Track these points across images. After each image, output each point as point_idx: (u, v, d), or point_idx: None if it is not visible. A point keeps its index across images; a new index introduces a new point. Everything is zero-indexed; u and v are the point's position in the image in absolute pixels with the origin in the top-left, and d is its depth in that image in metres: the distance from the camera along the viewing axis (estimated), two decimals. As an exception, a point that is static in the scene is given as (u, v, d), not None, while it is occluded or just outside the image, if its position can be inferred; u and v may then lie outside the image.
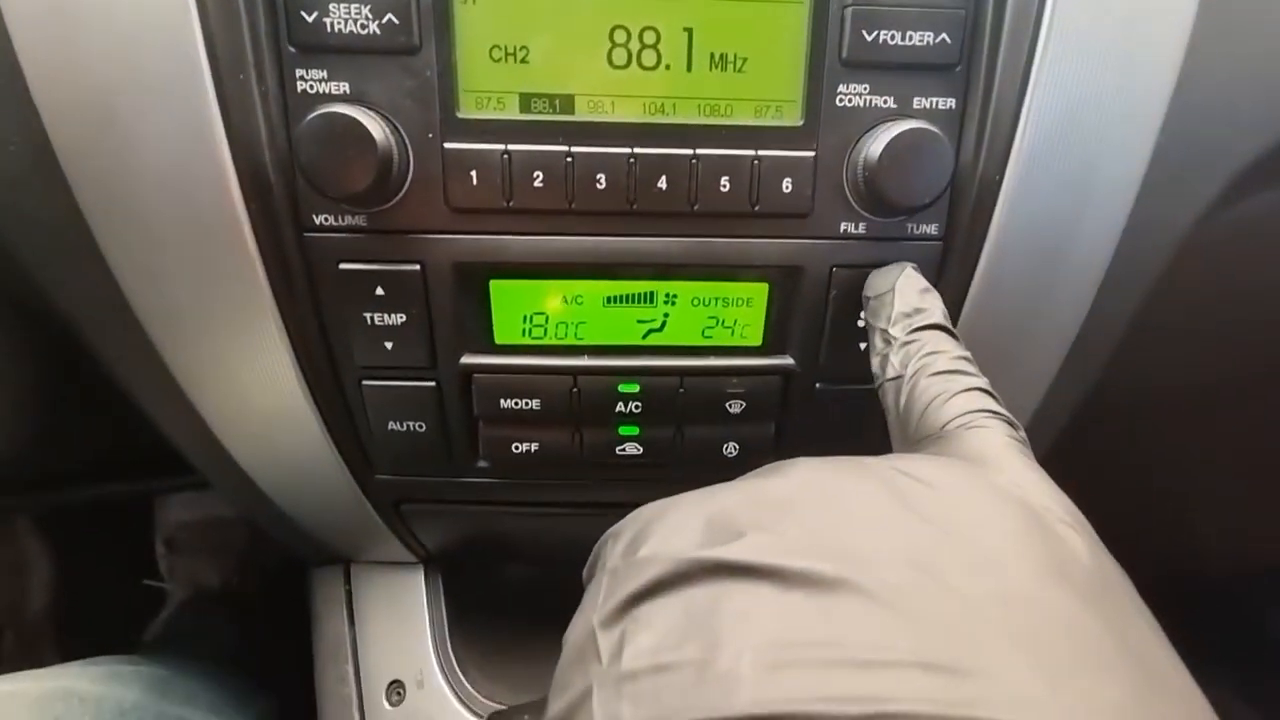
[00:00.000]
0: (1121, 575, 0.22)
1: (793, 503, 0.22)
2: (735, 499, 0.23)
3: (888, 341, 0.32)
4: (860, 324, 0.37)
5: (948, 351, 0.30)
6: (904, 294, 0.33)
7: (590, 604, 0.22)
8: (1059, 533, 0.21)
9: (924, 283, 0.34)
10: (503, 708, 0.49)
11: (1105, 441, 0.65)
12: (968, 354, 0.31)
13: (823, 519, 0.21)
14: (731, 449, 0.41)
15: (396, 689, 0.52)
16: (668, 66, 0.33)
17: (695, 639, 0.19)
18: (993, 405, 0.28)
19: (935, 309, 0.32)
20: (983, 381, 0.29)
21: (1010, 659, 0.17)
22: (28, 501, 0.73)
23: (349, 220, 0.34)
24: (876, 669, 0.17)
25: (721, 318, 0.38)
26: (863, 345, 0.38)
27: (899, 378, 0.30)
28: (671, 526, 0.22)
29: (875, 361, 0.33)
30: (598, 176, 0.34)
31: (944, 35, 0.33)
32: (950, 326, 0.32)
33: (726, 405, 0.39)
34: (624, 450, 0.41)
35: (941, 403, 0.28)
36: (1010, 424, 0.28)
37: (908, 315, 0.32)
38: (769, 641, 0.18)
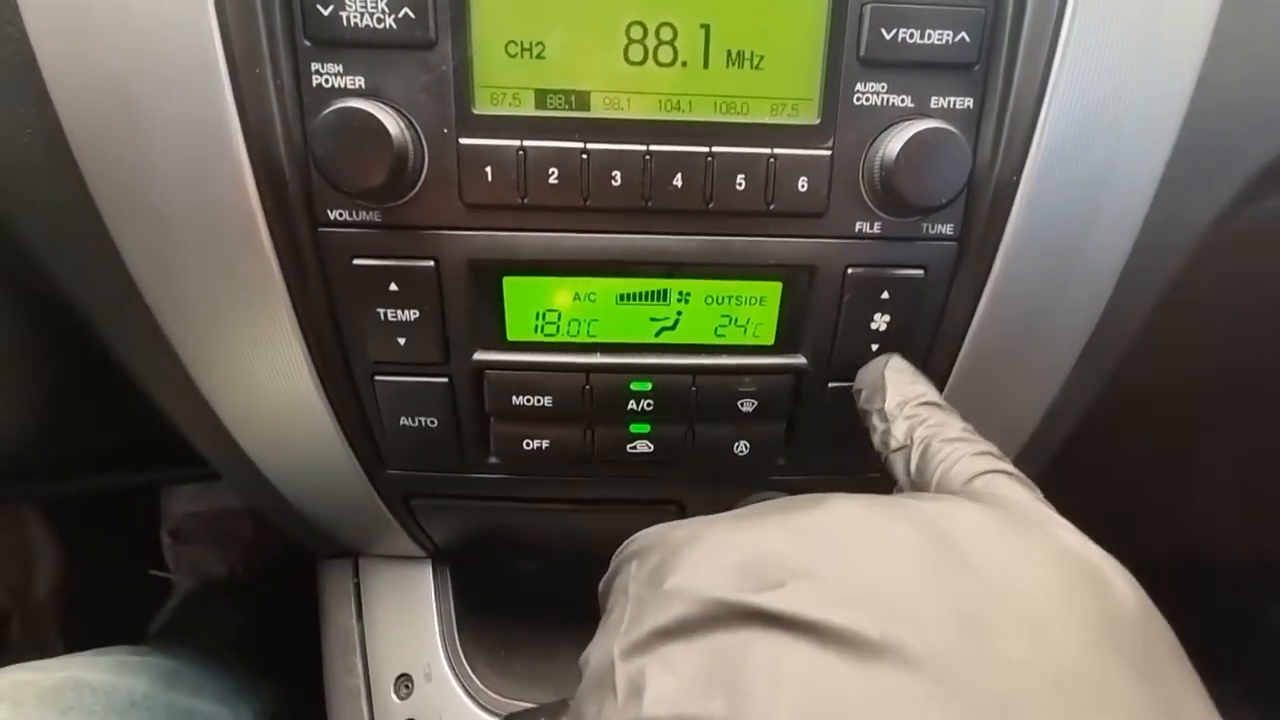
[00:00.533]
0: (1172, 637, 0.21)
1: (833, 546, 0.21)
2: (771, 535, 0.22)
3: (887, 420, 0.32)
4: (874, 326, 0.37)
5: (952, 424, 0.31)
6: (895, 380, 0.34)
7: (612, 629, 0.21)
8: (1111, 590, 0.21)
9: (912, 368, 0.35)
10: (512, 703, 0.50)
11: (1116, 438, 0.65)
12: (970, 426, 0.31)
13: (864, 567, 0.20)
14: (742, 447, 0.41)
15: (405, 682, 0.52)
16: (684, 63, 0.33)
17: (723, 692, 0.18)
18: (1005, 466, 0.28)
19: (930, 389, 0.34)
20: (990, 446, 0.30)
21: None
22: (37, 490, 0.74)
23: (363, 215, 0.34)
24: None
25: (734, 316, 0.38)
26: (874, 346, 0.38)
27: (905, 447, 0.31)
28: (700, 558, 0.21)
29: (877, 439, 0.33)
30: (613, 173, 0.33)
31: (963, 34, 0.33)
32: (944, 402, 0.33)
33: (738, 404, 0.39)
34: (635, 448, 0.41)
35: (957, 462, 0.28)
36: (1029, 486, 0.27)
37: (903, 395, 0.33)
38: (803, 706, 0.17)
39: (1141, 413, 0.64)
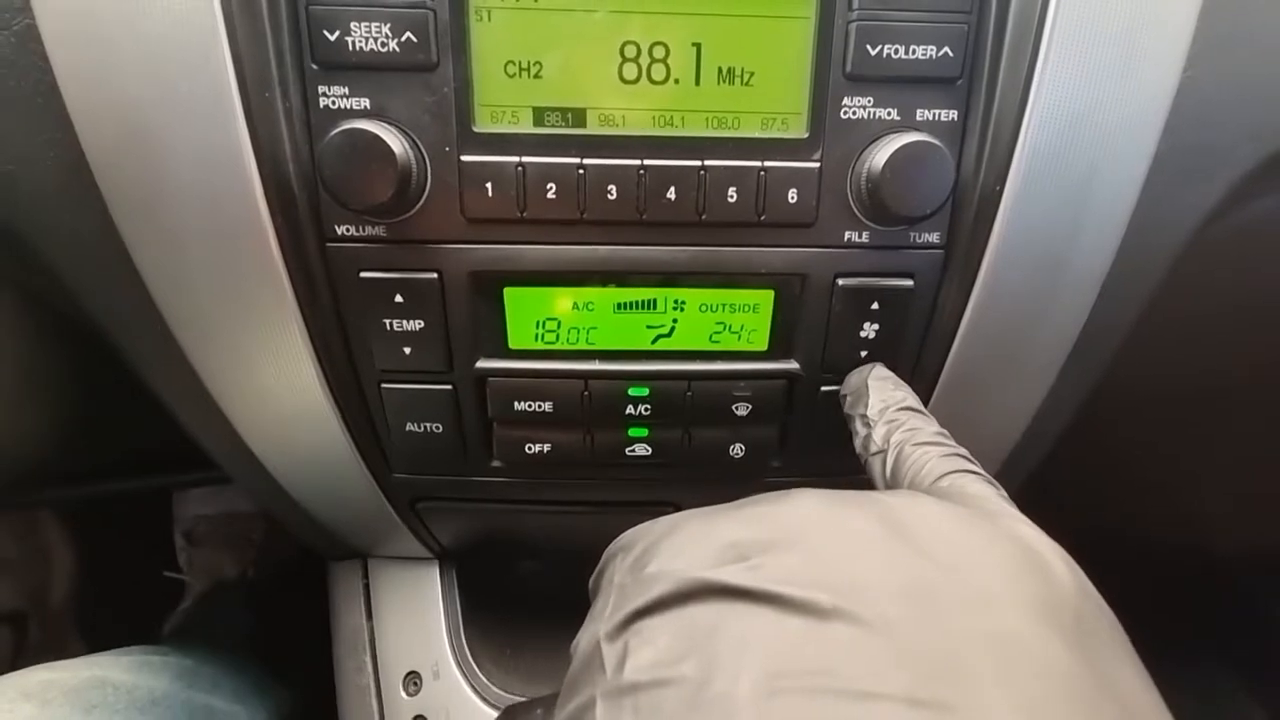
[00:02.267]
0: (1110, 616, 0.22)
1: (797, 531, 0.23)
2: (742, 524, 0.24)
3: (868, 424, 0.34)
4: (863, 332, 0.38)
5: (927, 428, 0.33)
6: (878, 387, 0.36)
7: (598, 615, 0.23)
8: (1051, 572, 0.22)
9: (894, 376, 0.37)
10: (518, 700, 0.51)
11: (1117, 435, 0.66)
12: (945, 431, 0.33)
13: (824, 549, 0.22)
14: (738, 450, 0.42)
15: (413, 679, 0.53)
16: (677, 80, 0.34)
17: (694, 657, 0.20)
18: (975, 468, 0.30)
19: (910, 396, 0.35)
20: (964, 451, 0.31)
21: (996, 700, 0.18)
22: (54, 495, 0.75)
23: (369, 231, 0.35)
24: (867, 701, 0.18)
25: (728, 323, 0.39)
26: (864, 352, 0.39)
27: (883, 451, 0.32)
28: (678, 545, 0.23)
29: (858, 442, 0.35)
30: (609, 187, 0.35)
31: (946, 49, 0.34)
32: (921, 406, 0.35)
33: (733, 408, 0.40)
34: (633, 451, 0.42)
35: (928, 463, 0.30)
36: (993, 484, 0.29)
37: (884, 400, 0.35)
38: (765, 666, 0.19)
39: (1141, 411, 0.65)
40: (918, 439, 0.32)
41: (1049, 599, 0.21)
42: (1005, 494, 0.28)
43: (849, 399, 0.37)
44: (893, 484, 0.31)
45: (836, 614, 0.20)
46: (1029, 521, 0.25)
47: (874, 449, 0.33)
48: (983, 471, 0.30)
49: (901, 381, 0.37)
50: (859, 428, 0.35)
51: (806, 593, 0.20)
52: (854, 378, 0.38)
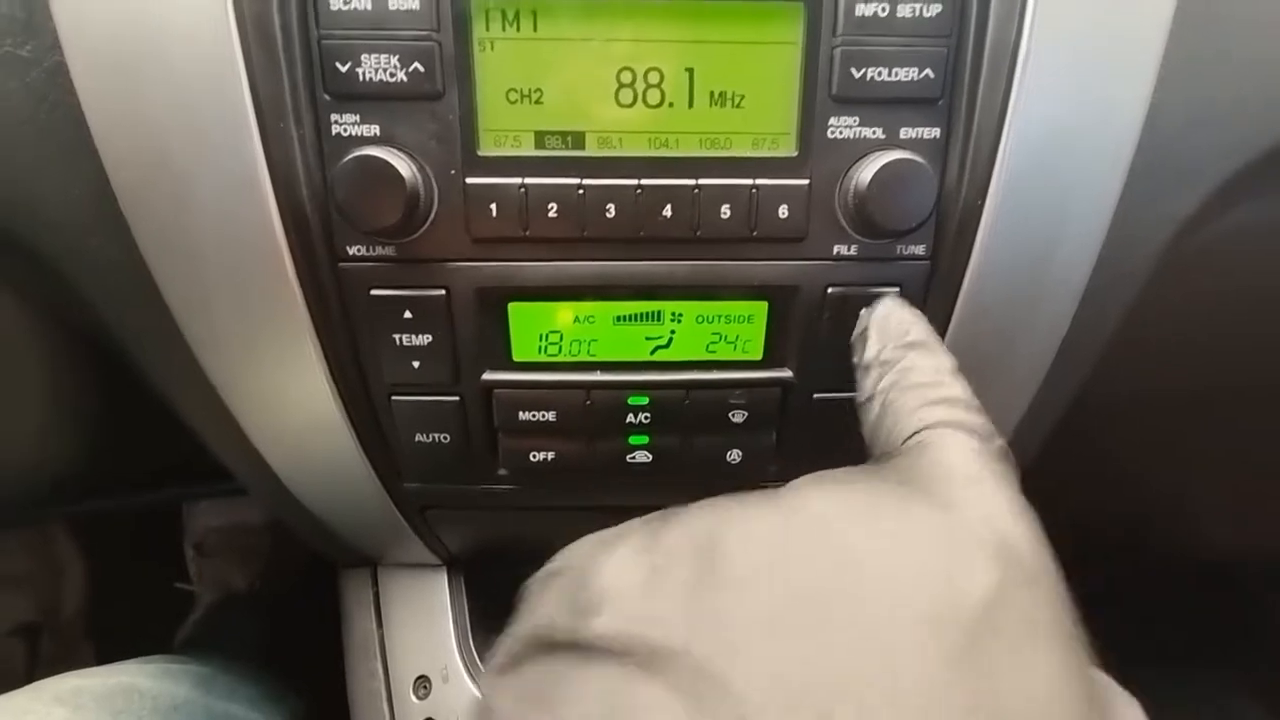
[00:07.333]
0: (1040, 611, 0.20)
1: (662, 564, 0.22)
2: (624, 556, 0.23)
3: (868, 367, 0.33)
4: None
5: (921, 366, 0.30)
6: (880, 327, 0.34)
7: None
8: (960, 572, 0.20)
9: (905, 306, 0.35)
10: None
11: (1100, 438, 0.67)
12: (948, 364, 0.30)
13: (674, 587, 0.21)
14: (735, 456, 0.44)
15: (423, 683, 0.54)
16: (671, 104, 0.36)
17: (534, 713, 0.21)
18: (957, 415, 0.27)
19: (915, 327, 0.33)
20: (953, 391, 0.28)
21: None
22: (69, 510, 0.77)
23: (380, 251, 0.37)
24: None
25: (724, 334, 0.41)
26: (854, 359, 0.40)
27: (871, 398, 0.31)
28: (543, 597, 0.24)
29: (858, 391, 0.33)
30: (607, 206, 0.36)
31: (928, 70, 0.35)
32: (931, 340, 0.33)
33: (730, 415, 0.42)
34: (634, 458, 0.43)
35: (902, 417, 0.28)
36: (973, 432, 0.26)
37: (882, 341, 0.33)
38: (590, 714, 0.19)
39: (1132, 417, 0.66)
40: (906, 382, 0.29)
41: (945, 605, 0.19)
42: (993, 446, 0.26)
43: (855, 346, 0.34)
44: (872, 441, 0.29)
45: (668, 655, 0.19)
46: (991, 487, 0.23)
47: (862, 397, 0.31)
48: (967, 418, 0.27)
49: (914, 313, 0.34)
50: (859, 376, 0.33)
51: (643, 633, 0.19)
52: (862, 318, 0.35)
